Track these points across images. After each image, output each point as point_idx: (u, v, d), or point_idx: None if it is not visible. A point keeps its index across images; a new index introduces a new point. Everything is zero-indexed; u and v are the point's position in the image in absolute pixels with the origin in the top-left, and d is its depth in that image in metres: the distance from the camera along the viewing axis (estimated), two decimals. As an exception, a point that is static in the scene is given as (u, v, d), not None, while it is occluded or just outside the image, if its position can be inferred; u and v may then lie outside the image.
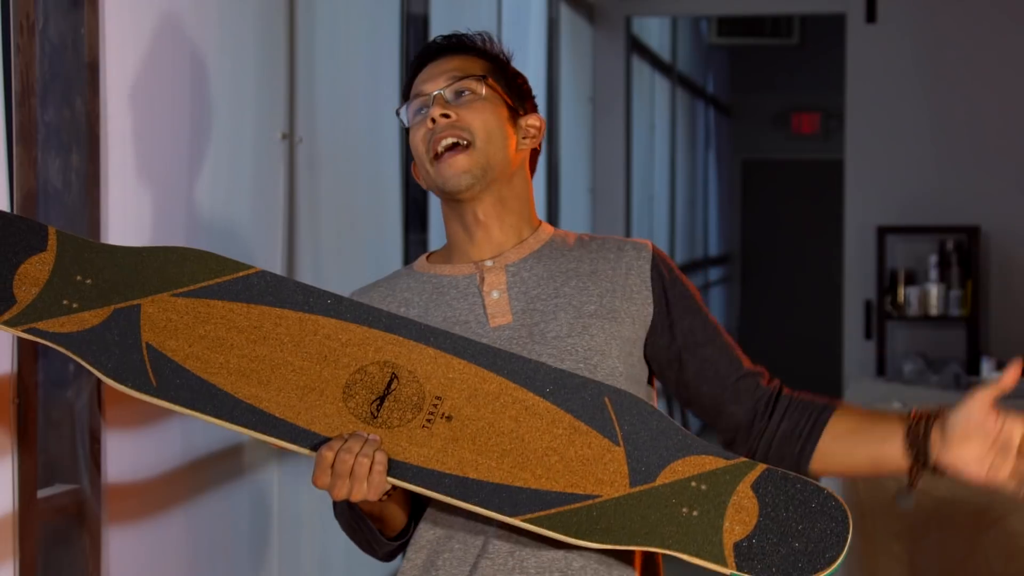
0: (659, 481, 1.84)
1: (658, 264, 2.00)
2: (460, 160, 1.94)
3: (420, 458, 1.83)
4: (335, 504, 2.01)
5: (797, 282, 11.24)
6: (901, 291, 7.13)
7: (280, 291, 1.88)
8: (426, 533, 1.95)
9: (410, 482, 1.82)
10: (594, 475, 1.83)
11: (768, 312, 11.35)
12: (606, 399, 1.86)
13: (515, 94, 2.02)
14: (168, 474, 2.73)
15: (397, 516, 1.94)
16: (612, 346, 1.93)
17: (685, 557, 1.83)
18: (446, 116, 1.95)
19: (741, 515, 1.83)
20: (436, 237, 4.50)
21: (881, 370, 7.08)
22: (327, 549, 3.53)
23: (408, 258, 4.22)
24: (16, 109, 2.21)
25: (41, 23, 2.36)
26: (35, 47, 2.27)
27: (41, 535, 2.33)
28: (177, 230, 2.75)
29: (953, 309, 7.04)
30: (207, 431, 2.89)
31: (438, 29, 4.52)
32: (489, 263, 1.98)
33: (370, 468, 1.78)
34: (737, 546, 1.83)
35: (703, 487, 1.84)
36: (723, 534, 1.83)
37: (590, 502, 1.83)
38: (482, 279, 1.97)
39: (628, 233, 7.52)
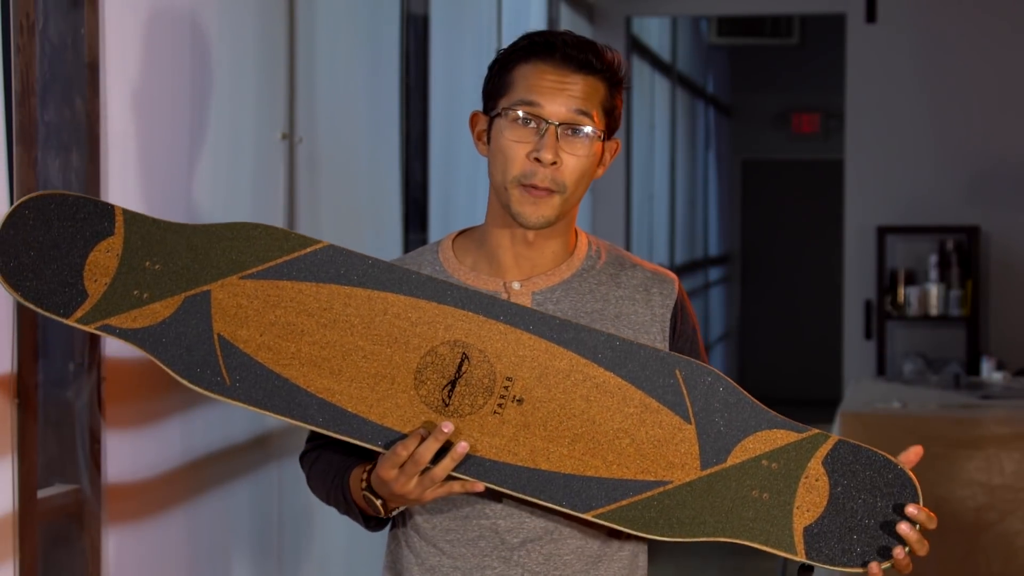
0: (730, 461, 1.83)
1: (678, 309, 2.01)
2: (546, 205, 1.92)
3: (492, 450, 1.82)
4: (312, 476, 2.00)
5: (797, 282, 11.23)
6: (901, 291, 7.12)
7: (348, 266, 1.86)
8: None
9: (482, 479, 1.82)
10: (665, 458, 1.83)
11: (768, 312, 11.35)
12: (677, 371, 1.85)
13: (614, 120, 1.98)
14: (168, 474, 2.73)
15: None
16: None
17: (756, 546, 1.82)
18: (554, 164, 1.90)
19: (812, 495, 1.82)
20: (436, 237, 4.49)
21: (881, 370, 7.08)
22: (327, 549, 3.52)
23: (408, 258, 4.20)
24: (16, 109, 2.21)
25: (41, 23, 2.36)
26: (35, 47, 2.27)
27: (41, 535, 2.33)
28: (177, 230, 2.75)
29: (953, 309, 7.04)
30: (207, 431, 2.90)
31: (438, 29, 4.52)
32: (517, 285, 1.97)
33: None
34: (807, 531, 1.82)
35: (774, 466, 1.83)
36: (793, 519, 1.82)
37: (661, 489, 1.82)
38: None
39: (628, 233, 7.53)
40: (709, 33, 10.30)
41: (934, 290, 7.06)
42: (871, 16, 7.13)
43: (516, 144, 1.91)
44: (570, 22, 6.89)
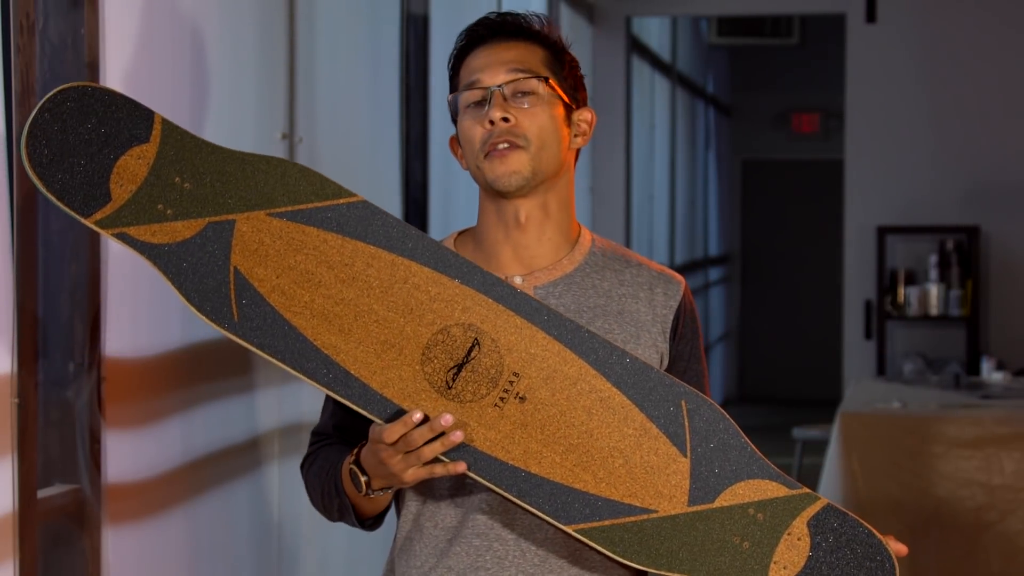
0: (718, 503, 1.80)
1: (682, 313, 1.99)
2: (512, 159, 1.92)
3: (486, 443, 1.79)
4: (309, 477, 1.99)
5: (797, 282, 11.23)
6: (901, 291, 7.13)
7: (379, 227, 1.82)
8: (411, 504, 1.96)
9: (471, 470, 1.79)
10: (655, 486, 1.80)
11: (768, 312, 11.35)
12: (683, 403, 1.82)
13: (570, 87, 1.99)
14: (168, 474, 2.73)
15: (382, 503, 1.94)
16: None
17: None
18: (505, 120, 1.92)
19: (791, 553, 1.80)
20: (436, 237, 4.49)
21: (881, 370, 7.08)
22: (327, 549, 3.52)
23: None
24: (16, 109, 2.21)
25: (41, 23, 2.36)
26: (35, 47, 2.27)
27: (41, 535, 2.33)
28: (177, 230, 2.75)
29: (953, 309, 7.04)
30: (207, 431, 2.90)
31: (438, 29, 4.52)
32: (518, 279, 1.96)
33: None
34: None
35: (760, 516, 1.80)
36: (769, 573, 1.79)
37: (644, 517, 1.80)
38: None
39: (628, 233, 7.53)
40: (709, 33, 10.31)
41: (934, 290, 7.06)
42: (871, 16, 7.13)
43: (472, 123, 1.94)
44: (570, 22, 6.89)
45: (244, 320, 1.79)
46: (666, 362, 1.98)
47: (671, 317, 1.98)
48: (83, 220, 1.79)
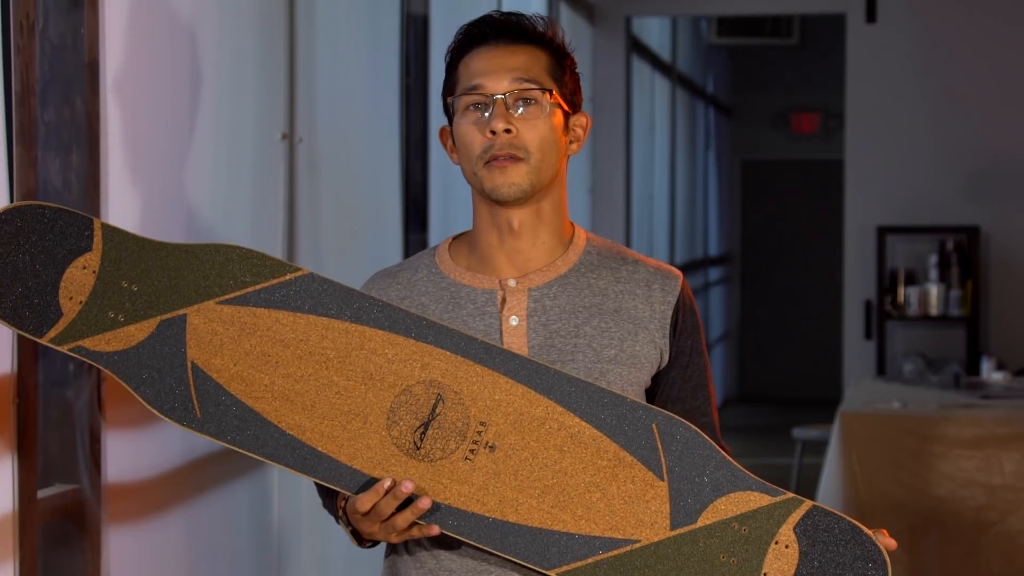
0: (700, 522, 1.79)
1: (680, 307, 1.98)
2: (512, 171, 1.91)
3: (460, 498, 1.79)
4: (321, 495, 2.00)
5: (797, 282, 11.23)
6: (901, 291, 7.13)
7: (328, 297, 1.82)
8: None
9: (448, 529, 1.79)
10: (635, 516, 1.79)
11: (768, 312, 11.35)
12: (654, 426, 1.81)
13: (570, 92, 1.97)
14: (168, 474, 2.73)
15: None
16: (628, 392, 1.92)
17: None
18: (508, 131, 1.90)
19: (780, 563, 1.78)
20: (436, 237, 4.50)
21: (881, 370, 7.08)
22: (327, 549, 3.52)
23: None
24: (16, 109, 2.21)
25: (41, 23, 2.36)
26: (35, 47, 2.27)
27: (41, 535, 2.33)
28: (177, 230, 2.75)
29: (953, 309, 7.04)
30: (207, 431, 2.90)
31: (438, 29, 4.52)
32: (512, 283, 1.95)
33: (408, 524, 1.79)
34: None
35: (744, 529, 1.79)
36: None
37: (628, 548, 1.79)
38: (503, 300, 1.94)
39: (628, 233, 7.53)
40: (709, 33, 10.31)
41: (934, 290, 7.06)
42: (871, 16, 7.13)
43: (472, 129, 1.92)
44: (570, 22, 6.89)
45: (207, 416, 1.80)
46: (666, 358, 1.97)
47: (669, 313, 1.97)
48: (39, 340, 1.81)
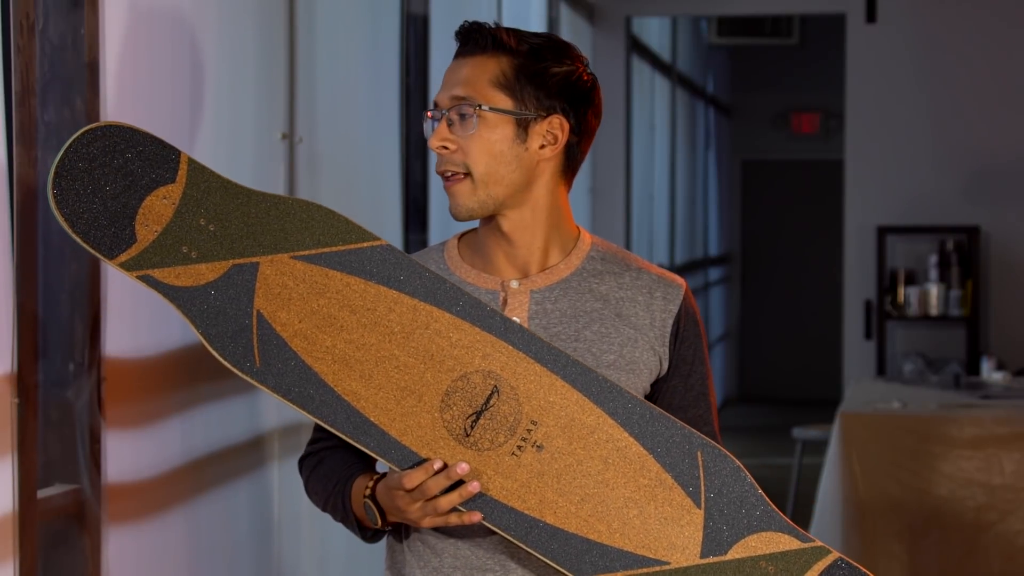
0: (730, 555, 1.80)
1: (682, 316, 1.97)
2: (457, 191, 1.92)
3: (502, 492, 1.79)
4: (311, 481, 1.99)
5: (797, 282, 11.24)
6: (901, 291, 7.13)
7: (402, 272, 1.82)
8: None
9: (487, 519, 1.80)
10: (668, 538, 1.80)
11: (768, 312, 11.35)
12: (699, 453, 1.82)
13: (531, 98, 1.91)
14: (168, 474, 2.73)
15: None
16: None
17: None
18: (445, 148, 1.92)
19: None
20: (436, 237, 4.50)
21: (881, 370, 7.08)
22: (327, 549, 3.52)
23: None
24: (16, 109, 2.21)
25: (41, 23, 2.36)
26: (35, 47, 2.27)
27: (41, 535, 2.33)
28: (177, 230, 2.75)
29: (953, 309, 7.04)
30: (207, 431, 2.90)
31: (438, 29, 4.52)
32: (515, 284, 1.95)
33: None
34: None
35: (771, 569, 1.80)
36: None
37: (657, 568, 1.79)
38: (505, 301, 1.94)
39: (628, 233, 7.53)
40: (709, 33, 10.31)
41: (934, 290, 7.06)
42: (871, 16, 7.13)
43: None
44: (570, 22, 6.89)
45: (266, 365, 1.79)
46: (666, 366, 1.97)
47: (670, 321, 1.96)
48: (108, 262, 1.80)
